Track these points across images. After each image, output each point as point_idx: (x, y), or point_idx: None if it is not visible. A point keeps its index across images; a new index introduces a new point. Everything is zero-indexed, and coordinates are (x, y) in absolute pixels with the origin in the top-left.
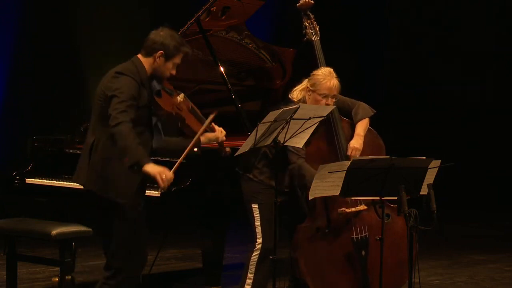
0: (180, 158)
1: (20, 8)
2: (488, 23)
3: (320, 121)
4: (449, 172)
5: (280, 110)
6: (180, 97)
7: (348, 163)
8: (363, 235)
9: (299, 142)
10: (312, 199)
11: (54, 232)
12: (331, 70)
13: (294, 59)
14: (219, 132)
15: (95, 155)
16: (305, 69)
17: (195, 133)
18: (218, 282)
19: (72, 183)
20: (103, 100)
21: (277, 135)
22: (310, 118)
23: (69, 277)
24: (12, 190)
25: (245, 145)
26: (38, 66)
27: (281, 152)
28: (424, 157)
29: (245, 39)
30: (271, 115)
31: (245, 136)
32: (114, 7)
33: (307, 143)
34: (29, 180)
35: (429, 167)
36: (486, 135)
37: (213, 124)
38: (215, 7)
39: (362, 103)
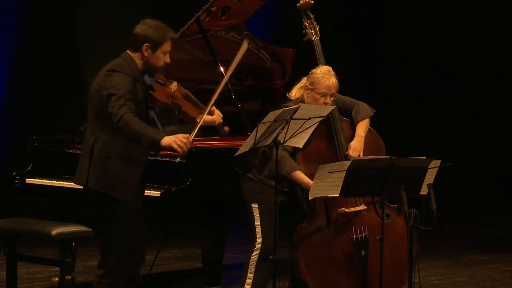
0: (195, 129)
1: (20, 8)
2: (488, 23)
3: (320, 121)
4: (449, 172)
5: (280, 110)
6: (174, 86)
7: (348, 163)
8: (363, 235)
9: (299, 142)
10: (312, 199)
11: (54, 232)
12: (330, 68)
13: (294, 59)
14: (217, 116)
15: (95, 154)
16: (305, 69)
17: (193, 119)
18: (218, 282)
19: (72, 183)
20: (99, 99)
21: (277, 135)
22: (310, 118)
23: (69, 277)
24: (12, 190)
25: (245, 145)
26: (38, 66)
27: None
28: (424, 157)
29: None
30: (271, 115)
31: (245, 136)
32: (114, 7)
33: (307, 143)
34: (29, 180)
35: (429, 167)
36: (486, 135)
37: (213, 107)
38: (215, 7)
39: (362, 103)
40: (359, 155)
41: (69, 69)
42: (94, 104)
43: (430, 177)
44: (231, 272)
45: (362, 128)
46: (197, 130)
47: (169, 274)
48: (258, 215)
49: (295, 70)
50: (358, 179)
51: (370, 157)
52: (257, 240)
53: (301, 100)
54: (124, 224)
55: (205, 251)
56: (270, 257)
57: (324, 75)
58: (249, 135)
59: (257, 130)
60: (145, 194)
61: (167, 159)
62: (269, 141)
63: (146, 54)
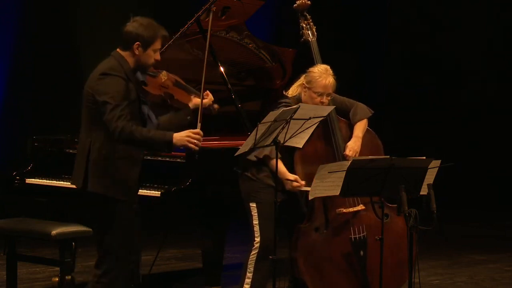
0: (199, 119)
1: (20, 8)
2: (488, 23)
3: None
4: (449, 172)
5: (280, 110)
6: (164, 75)
7: (348, 163)
8: (361, 235)
9: (299, 142)
10: (311, 199)
11: (54, 232)
12: (328, 67)
13: (294, 59)
14: (209, 100)
15: (93, 157)
16: (305, 69)
17: (185, 105)
18: (218, 282)
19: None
20: (93, 102)
21: (277, 135)
22: (310, 118)
23: (69, 277)
24: (12, 190)
25: (245, 145)
26: (38, 66)
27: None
28: (424, 157)
29: (245, 39)
30: (271, 115)
31: (245, 136)
32: (114, 7)
33: (304, 144)
34: (29, 180)
35: (429, 167)
36: (486, 135)
37: (206, 92)
38: (215, 7)
39: (360, 103)
40: (355, 155)
41: (69, 69)
42: (89, 107)
43: (430, 177)
44: (231, 272)
45: (360, 128)
46: (201, 118)
47: (169, 274)
48: (256, 214)
49: (295, 70)
50: (358, 179)
51: (370, 157)
52: (255, 239)
53: (297, 98)
54: (124, 224)
55: (205, 251)
56: (270, 257)
57: (321, 74)
58: (249, 135)
59: (257, 130)
60: (145, 194)
61: (167, 159)
62: (269, 141)
63: (137, 52)
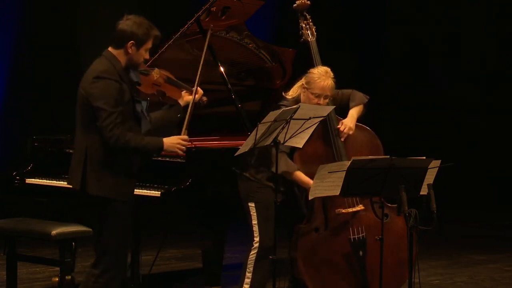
0: (186, 122)
1: (20, 8)
2: (488, 23)
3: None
4: (449, 172)
5: (280, 110)
6: (156, 73)
7: (348, 163)
8: (361, 235)
9: (299, 142)
10: (311, 199)
11: (54, 232)
12: (328, 69)
13: (294, 59)
14: (198, 96)
15: (91, 159)
16: (305, 69)
17: (175, 100)
18: (218, 282)
19: None
20: (87, 104)
21: (277, 135)
22: (310, 118)
23: (69, 277)
24: (12, 190)
25: (245, 145)
26: (38, 66)
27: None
28: (424, 157)
29: (245, 39)
30: (271, 115)
31: (245, 136)
32: (114, 7)
33: (304, 144)
34: (29, 180)
35: (429, 167)
36: (486, 135)
37: (198, 88)
38: (215, 7)
39: (355, 90)
40: (349, 132)
41: (69, 69)
42: (83, 108)
43: (430, 177)
44: (231, 272)
45: (355, 110)
46: (188, 120)
47: (169, 274)
48: (255, 214)
49: (295, 70)
50: (358, 179)
51: (370, 157)
52: (255, 239)
53: (296, 99)
54: (124, 224)
55: (205, 251)
56: (270, 257)
57: (321, 75)
58: (249, 135)
59: (257, 130)
60: (145, 194)
61: (167, 159)
62: (269, 141)
63: (130, 51)
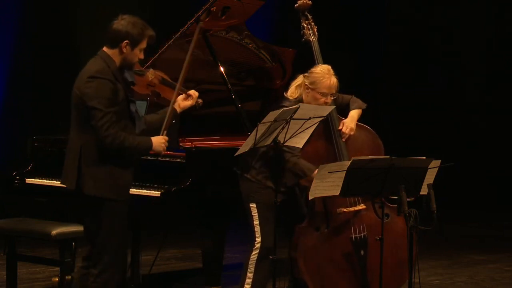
0: (165, 122)
1: (20, 8)
2: (488, 23)
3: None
4: (449, 172)
5: (280, 110)
6: (151, 74)
7: (348, 163)
8: (362, 234)
9: (299, 142)
10: (311, 199)
11: (54, 232)
12: (329, 67)
13: (294, 59)
14: (193, 100)
15: (86, 159)
16: (305, 69)
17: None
18: (218, 282)
19: None
20: (81, 104)
21: (277, 135)
22: (310, 118)
23: (69, 277)
24: (12, 190)
25: (245, 145)
26: (38, 66)
27: (278, 152)
28: (424, 157)
29: (245, 39)
30: (271, 115)
31: (245, 136)
32: (114, 7)
33: (305, 143)
34: (29, 180)
35: (429, 167)
36: (485, 135)
37: (191, 91)
38: (215, 7)
39: (355, 97)
40: (350, 131)
41: (69, 69)
42: (78, 108)
43: (430, 177)
44: (231, 272)
45: (355, 111)
46: (168, 121)
47: (169, 274)
48: (256, 214)
49: (295, 70)
50: (358, 179)
51: (370, 157)
52: (256, 239)
53: (299, 99)
54: (121, 224)
55: (205, 251)
56: (270, 257)
57: (325, 74)
58: (249, 135)
59: (257, 130)
60: (145, 194)
61: (167, 159)
62: (269, 141)
63: (124, 50)
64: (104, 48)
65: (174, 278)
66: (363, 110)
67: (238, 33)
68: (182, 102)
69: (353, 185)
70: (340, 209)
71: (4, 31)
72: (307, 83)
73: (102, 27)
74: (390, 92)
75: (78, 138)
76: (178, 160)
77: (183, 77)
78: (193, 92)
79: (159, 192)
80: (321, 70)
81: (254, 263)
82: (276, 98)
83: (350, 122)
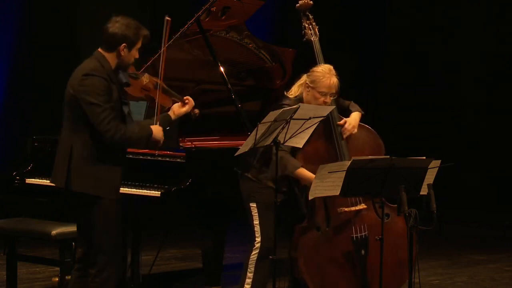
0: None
1: (20, 8)
2: (488, 23)
3: (320, 121)
4: (449, 172)
5: (280, 110)
6: (146, 78)
7: (348, 163)
8: (363, 234)
9: (299, 142)
10: (311, 199)
11: (54, 232)
12: (331, 67)
13: (294, 59)
14: (189, 107)
15: (76, 157)
16: (305, 70)
17: (165, 106)
18: (218, 282)
19: None
20: (76, 103)
21: (277, 135)
22: (310, 118)
23: (69, 277)
24: (12, 190)
25: (245, 145)
26: (38, 66)
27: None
28: (424, 157)
29: (245, 39)
30: (271, 115)
31: (245, 136)
32: (114, 7)
33: (306, 143)
34: (29, 180)
35: (429, 167)
36: (486, 135)
37: (186, 97)
38: (215, 7)
39: (353, 102)
40: (353, 128)
41: (69, 69)
42: (71, 107)
43: (430, 177)
44: (231, 272)
45: (356, 113)
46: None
47: (169, 274)
48: (256, 214)
49: (295, 70)
50: (358, 179)
51: (370, 157)
52: (256, 239)
53: (299, 98)
54: (113, 222)
55: (205, 251)
56: (270, 257)
57: (325, 74)
58: (249, 135)
59: (257, 130)
60: (145, 194)
61: (167, 159)
62: (269, 141)
63: (122, 53)
64: (100, 50)
65: (174, 278)
66: (362, 115)
67: (238, 33)
68: (177, 110)
69: (353, 185)
70: (341, 208)
71: (4, 31)
72: (307, 82)
73: (102, 27)
74: (391, 92)
75: (69, 137)
76: (178, 160)
77: (161, 72)
78: (188, 99)
79: (159, 192)
80: (322, 70)
81: (254, 263)
82: (276, 98)
83: (352, 120)
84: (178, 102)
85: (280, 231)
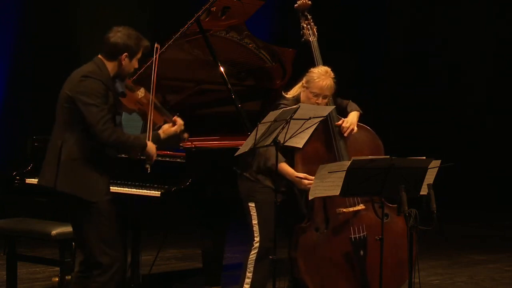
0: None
1: (20, 8)
2: (488, 23)
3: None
4: (449, 172)
5: (280, 110)
6: (141, 92)
7: (348, 163)
8: (361, 234)
9: (299, 142)
10: (311, 199)
11: (54, 232)
12: (328, 69)
13: (294, 59)
14: (178, 127)
15: (64, 157)
16: (305, 69)
17: (157, 124)
18: (218, 282)
19: None
20: (70, 103)
21: (277, 135)
22: (310, 118)
23: (69, 277)
24: (12, 190)
25: (245, 145)
26: (38, 66)
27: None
28: (424, 157)
29: (245, 39)
30: (271, 115)
31: (245, 136)
32: (114, 7)
33: (305, 144)
34: (29, 180)
35: (429, 167)
36: (486, 135)
37: (175, 117)
38: (215, 7)
39: (351, 101)
40: (352, 126)
41: (69, 69)
42: (64, 108)
43: (430, 177)
44: (231, 272)
45: (354, 113)
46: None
47: (169, 274)
48: (255, 213)
49: (295, 70)
50: (358, 179)
51: (370, 157)
52: (255, 239)
53: (296, 98)
54: (107, 223)
55: (205, 251)
56: (270, 257)
57: (320, 75)
58: (249, 135)
59: (257, 130)
60: (145, 194)
61: (167, 159)
62: (269, 141)
63: (123, 63)
64: (100, 56)
65: (174, 278)
66: (360, 114)
67: (238, 33)
68: (167, 129)
69: (353, 185)
70: (340, 209)
71: (4, 31)
72: (303, 82)
73: (102, 27)
74: (391, 92)
75: (59, 138)
76: (178, 160)
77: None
78: (177, 119)
79: (159, 192)
80: (318, 71)
81: (253, 263)
82: (276, 98)
83: (351, 119)
84: (168, 122)
85: (280, 231)
